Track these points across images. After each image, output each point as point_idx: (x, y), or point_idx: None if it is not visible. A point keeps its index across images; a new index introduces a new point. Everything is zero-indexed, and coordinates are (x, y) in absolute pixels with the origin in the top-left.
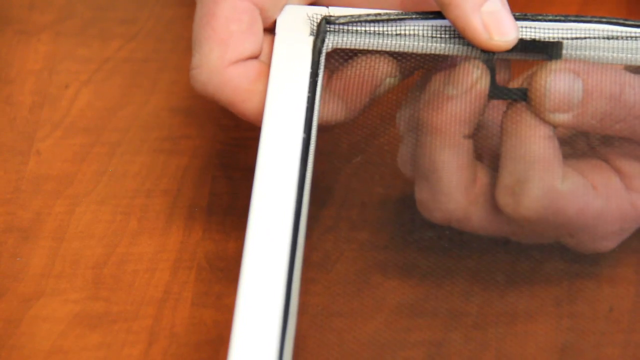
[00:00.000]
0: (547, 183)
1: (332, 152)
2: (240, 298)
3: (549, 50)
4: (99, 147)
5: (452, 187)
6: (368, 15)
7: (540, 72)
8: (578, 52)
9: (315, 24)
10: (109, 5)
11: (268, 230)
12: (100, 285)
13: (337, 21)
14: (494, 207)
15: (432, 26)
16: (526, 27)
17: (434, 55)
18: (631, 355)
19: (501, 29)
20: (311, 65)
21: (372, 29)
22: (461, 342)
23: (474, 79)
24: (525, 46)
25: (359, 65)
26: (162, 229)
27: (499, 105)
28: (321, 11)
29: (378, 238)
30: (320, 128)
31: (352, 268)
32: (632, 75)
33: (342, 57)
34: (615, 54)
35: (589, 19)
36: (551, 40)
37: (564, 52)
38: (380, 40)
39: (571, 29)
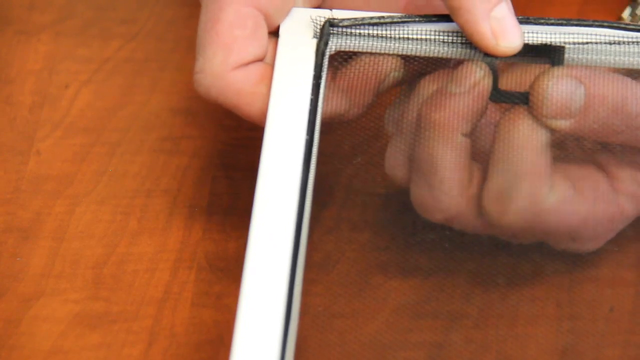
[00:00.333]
0: (534, 196)
1: (333, 153)
2: (242, 299)
3: (551, 54)
4: (99, 147)
5: (451, 184)
6: (371, 18)
7: (542, 77)
8: (580, 56)
9: (319, 27)
10: (109, 5)
11: (270, 232)
12: (100, 285)
13: (340, 24)
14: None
15: (436, 29)
16: (529, 31)
17: (437, 58)
18: (631, 356)
19: (508, 35)
20: (314, 68)
21: (375, 31)
22: (462, 344)
23: (477, 78)
24: (528, 50)
25: (363, 61)
26: (162, 229)
27: (497, 108)
28: (324, 14)
29: (379, 239)
30: (326, 125)
31: (353, 269)
32: (636, 84)
33: (345, 60)
34: (617, 58)
35: (590, 22)
36: (554, 44)
37: (566, 56)
38: (384, 43)
39: (573, 33)
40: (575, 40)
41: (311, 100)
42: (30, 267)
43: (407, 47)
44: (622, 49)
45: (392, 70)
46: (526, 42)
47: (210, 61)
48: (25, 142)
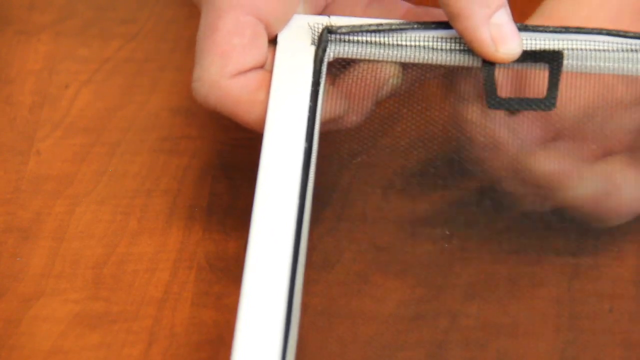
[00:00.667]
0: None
1: (333, 153)
2: (243, 300)
3: (550, 60)
4: (99, 147)
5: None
6: (370, 25)
7: None
8: (579, 62)
9: (317, 34)
10: (109, 5)
11: (270, 241)
12: (100, 285)
13: (338, 31)
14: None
15: (434, 37)
16: (528, 38)
17: (436, 65)
18: (631, 356)
19: (508, 41)
20: (313, 75)
21: (373, 39)
22: (461, 343)
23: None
24: (526, 56)
25: (361, 68)
26: (162, 229)
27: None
28: (323, 21)
29: (378, 239)
30: (327, 132)
31: (353, 269)
32: None
33: (343, 67)
34: (617, 65)
35: (589, 30)
36: (552, 50)
37: (565, 62)
38: (382, 51)
39: (572, 40)
40: (574, 46)
41: (310, 107)
42: (30, 267)
43: (406, 54)
44: (621, 56)
45: (390, 77)
46: (525, 49)
47: (207, 69)
48: (25, 142)
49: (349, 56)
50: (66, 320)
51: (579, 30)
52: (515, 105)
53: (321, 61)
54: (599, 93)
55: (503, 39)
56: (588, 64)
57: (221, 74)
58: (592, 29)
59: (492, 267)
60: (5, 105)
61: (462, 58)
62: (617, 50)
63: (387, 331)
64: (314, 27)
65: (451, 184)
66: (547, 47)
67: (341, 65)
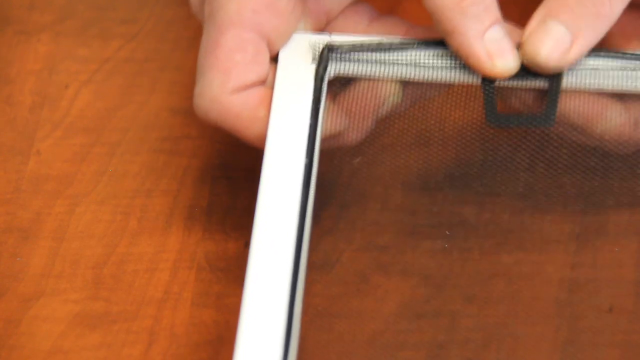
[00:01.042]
0: None
1: (333, 153)
2: (245, 300)
3: (549, 76)
4: (99, 147)
5: None
6: (370, 42)
7: None
8: (578, 80)
9: (318, 51)
10: (109, 5)
11: (270, 260)
12: (100, 285)
13: (339, 49)
14: None
15: (435, 54)
16: None
17: (436, 83)
18: (631, 356)
19: (504, 55)
20: (313, 92)
21: (374, 56)
22: (461, 343)
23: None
24: (525, 73)
25: (361, 87)
26: (162, 229)
27: None
28: (323, 39)
29: (378, 239)
30: (328, 151)
31: (352, 269)
32: None
33: (344, 84)
34: (616, 82)
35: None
36: None
37: (564, 79)
38: (383, 68)
39: None
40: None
41: (310, 124)
42: (30, 267)
43: (407, 72)
44: (621, 74)
45: (390, 95)
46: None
47: (209, 85)
48: (25, 142)
49: (350, 74)
50: (66, 320)
51: None
52: (515, 122)
53: (322, 79)
54: None
55: (500, 52)
56: (587, 81)
57: (222, 90)
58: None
59: (492, 267)
60: (5, 105)
61: (463, 75)
62: (616, 69)
63: (387, 331)
64: (315, 44)
65: (451, 183)
66: None
67: (342, 84)
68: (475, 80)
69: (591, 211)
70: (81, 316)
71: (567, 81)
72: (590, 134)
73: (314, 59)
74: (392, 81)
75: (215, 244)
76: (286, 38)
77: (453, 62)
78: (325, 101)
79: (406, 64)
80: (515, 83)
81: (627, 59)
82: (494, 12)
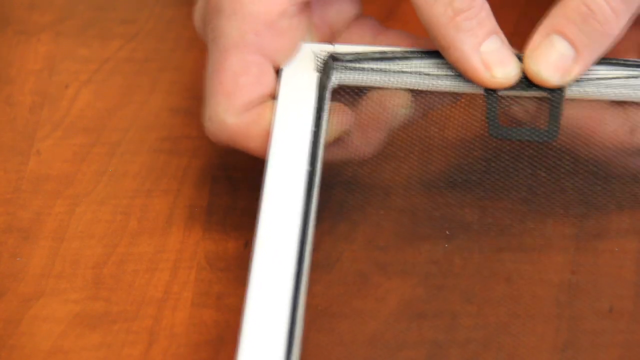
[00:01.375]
0: None
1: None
2: (249, 301)
3: (550, 89)
4: (99, 147)
5: None
6: (374, 52)
7: None
8: (579, 89)
9: (321, 61)
10: (109, 5)
11: (273, 264)
12: (100, 285)
13: (343, 58)
14: None
15: (438, 63)
16: None
17: (441, 92)
18: (631, 356)
19: (503, 64)
20: (317, 101)
21: (377, 66)
22: (462, 343)
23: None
24: (526, 83)
25: (371, 101)
26: (162, 229)
27: None
28: (327, 48)
29: (378, 238)
30: (343, 165)
31: (352, 268)
32: None
33: (348, 93)
34: (618, 90)
35: None
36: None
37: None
38: (386, 78)
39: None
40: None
41: (313, 132)
42: (30, 267)
43: (411, 81)
44: (621, 82)
45: (400, 107)
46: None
47: (215, 109)
48: (25, 142)
49: (354, 83)
50: (66, 320)
51: None
52: (517, 135)
53: (325, 88)
54: None
55: (497, 63)
56: (589, 89)
57: (228, 113)
58: None
59: (493, 267)
60: (5, 105)
61: (466, 85)
62: (617, 77)
63: (387, 331)
64: (319, 54)
65: (452, 185)
66: None
67: (345, 93)
68: (479, 90)
69: (591, 213)
70: (81, 316)
71: (569, 89)
72: (591, 142)
73: (317, 68)
74: (402, 94)
75: (215, 244)
76: (291, 55)
77: (457, 72)
78: (328, 110)
79: (410, 73)
80: (518, 93)
81: (628, 66)
82: (489, 23)
